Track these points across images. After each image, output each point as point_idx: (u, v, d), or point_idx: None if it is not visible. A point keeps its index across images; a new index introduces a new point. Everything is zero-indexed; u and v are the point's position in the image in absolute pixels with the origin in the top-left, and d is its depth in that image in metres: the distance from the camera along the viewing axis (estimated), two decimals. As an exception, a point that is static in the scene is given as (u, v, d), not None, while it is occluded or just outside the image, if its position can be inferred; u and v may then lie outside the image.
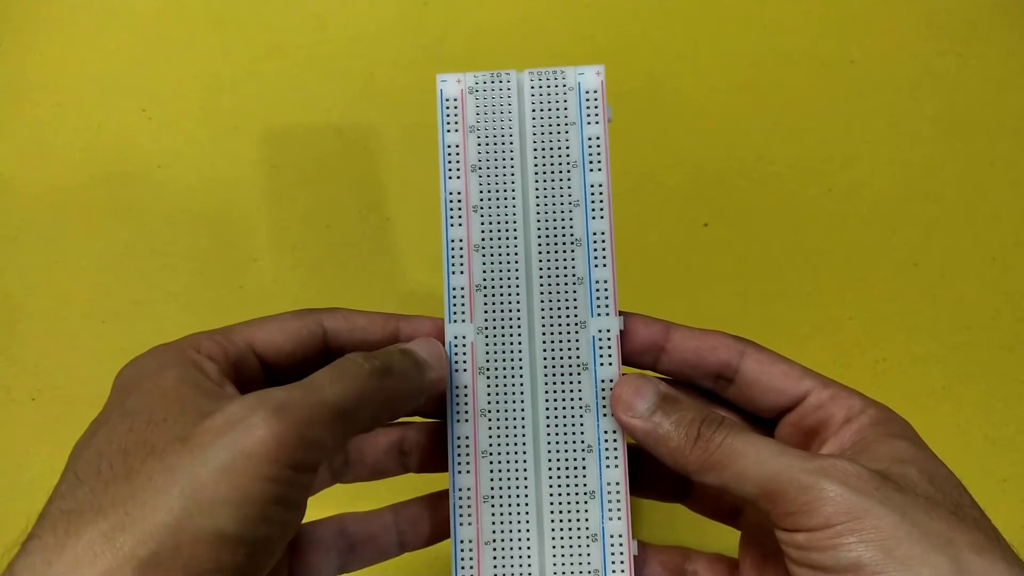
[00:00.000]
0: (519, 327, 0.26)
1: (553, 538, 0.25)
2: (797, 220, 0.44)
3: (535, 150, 0.26)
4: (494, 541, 0.25)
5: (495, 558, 0.25)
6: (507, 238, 0.26)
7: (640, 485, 0.28)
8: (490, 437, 0.26)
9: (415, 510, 0.28)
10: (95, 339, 0.41)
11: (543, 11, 0.46)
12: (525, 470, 0.25)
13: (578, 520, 0.25)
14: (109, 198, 0.44)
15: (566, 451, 0.25)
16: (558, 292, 0.26)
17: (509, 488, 0.25)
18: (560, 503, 0.25)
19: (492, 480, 0.25)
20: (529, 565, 0.25)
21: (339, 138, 0.45)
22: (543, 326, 0.26)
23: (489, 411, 0.26)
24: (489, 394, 0.26)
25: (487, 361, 0.26)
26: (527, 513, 0.25)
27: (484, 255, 0.26)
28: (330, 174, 0.45)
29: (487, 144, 0.27)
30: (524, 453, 0.26)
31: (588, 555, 0.25)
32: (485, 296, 0.26)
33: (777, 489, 0.21)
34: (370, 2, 0.46)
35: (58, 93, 0.45)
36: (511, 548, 0.25)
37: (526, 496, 0.25)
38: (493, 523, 0.25)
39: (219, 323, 0.41)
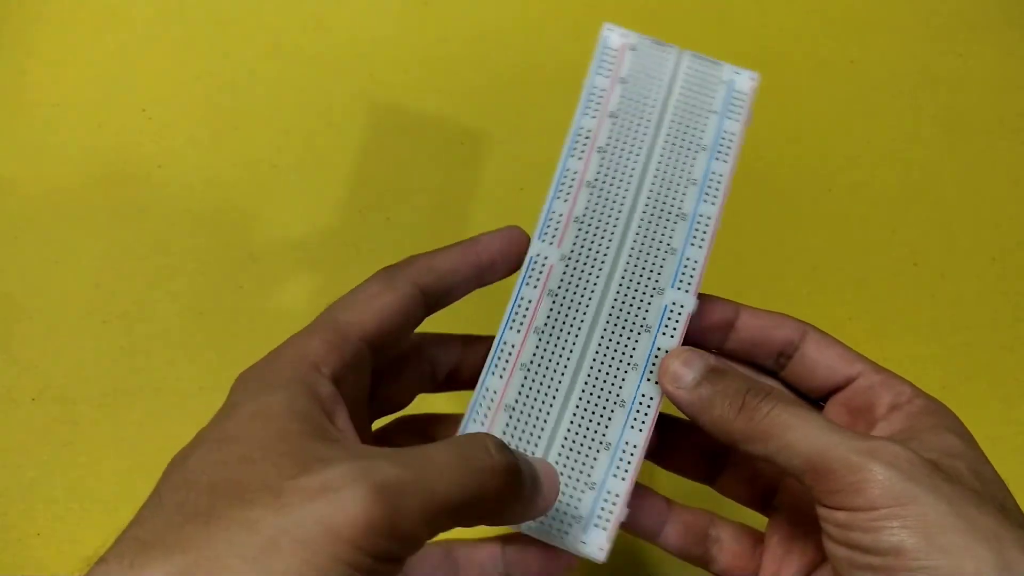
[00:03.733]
0: (600, 269, 0.26)
1: (559, 454, 0.25)
2: (797, 220, 0.44)
3: (672, 121, 0.27)
4: (509, 438, 0.26)
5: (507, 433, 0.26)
6: (620, 186, 0.27)
7: (672, 459, 0.29)
8: (534, 355, 0.26)
9: (523, 546, 0.27)
10: (95, 339, 0.41)
11: (543, 11, 0.46)
12: (554, 398, 0.26)
13: (584, 464, 0.25)
14: (109, 198, 0.44)
15: (599, 396, 0.26)
16: (649, 253, 0.26)
17: (531, 406, 0.26)
18: (574, 440, 0.25)
19: (520, 393, 0.26)
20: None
21: (339, 138, 0.45)
22: (623, 277, 0.26)
23: (543, 331, 0.26)
24: (548, 316, 0.26)
25: (558, 287, 0.26)
26: (540, 433, 0.25)
27: (593, 193, 0.27)
28: (330, 174, 0.45)
29: (630, 99, 0.28)
30: (559, 383, 0.26)
31: (580, 500, 0.25)
32: (580, 229, 0.26)
33: (825, 466, 0.21)
34: (370, 2, 0.46)
35: (58, 93, 0.45)
36: (523, 446, 0.26)
37: (545, 420, 0.25)
38: (508, 426, 0.26)
39: (220, 322, 0.41)
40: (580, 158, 0.27)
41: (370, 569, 0.18)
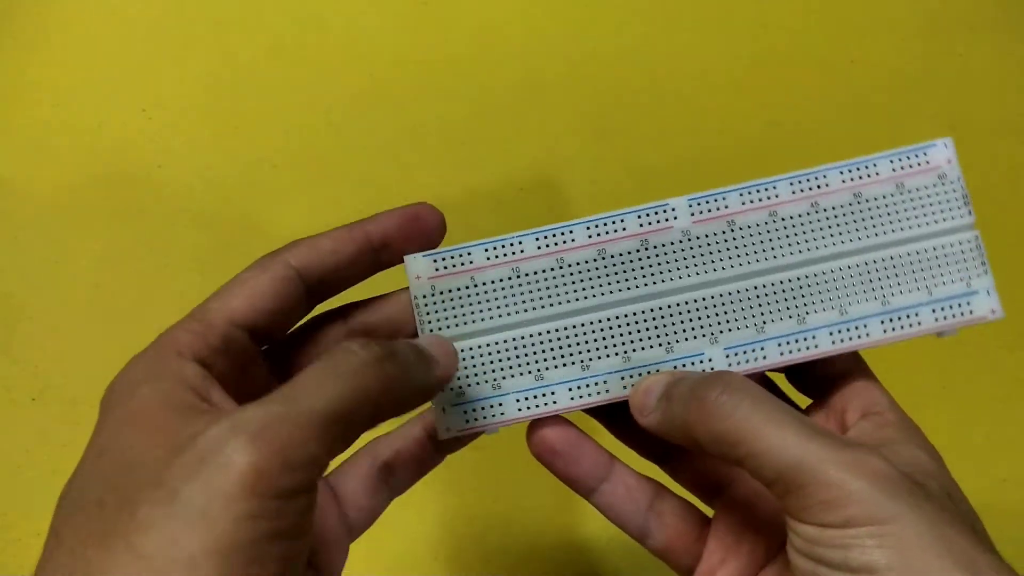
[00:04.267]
0: (678, 274, 0.26)
1: (497, 348, 0.25)
2: (797, 220, 0.44)
3: None
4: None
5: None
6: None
7: (625, 430, 0.27)
8: (544, 269, 0.26)
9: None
10: (95, 339, 0.41)
11: (543, 11, 0.46)
12: (527, 310, 0.26)
13: (503, 371, 0.25)
14: (109, 198, 0.44)
15: (566, 348, 0.25)
16: (751, 306, 0.25)
17: (506, 297, 0.26)
18: (508, 350, 0.25)
19: (504, 280, 0.25)
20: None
21: (339, 138, 0.45)
22: (699, 298, 0.25)
23: (571, 263, 0.26)
24: (588, 261, 0.26)
25: (635, 251, 0.26)
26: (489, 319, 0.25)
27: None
28: (330, 174, 0.45)
29: None
30: (545, 304, 0.25)
31: (473, 391, 0.25)
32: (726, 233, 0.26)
33: (798, 480, 0.20)
34: (370, 2, 0.46)
35: (58, 93, 0.45)
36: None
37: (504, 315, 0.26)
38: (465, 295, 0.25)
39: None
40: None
41: (279, 511, 0.17)
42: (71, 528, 0.18)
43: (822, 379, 0.26)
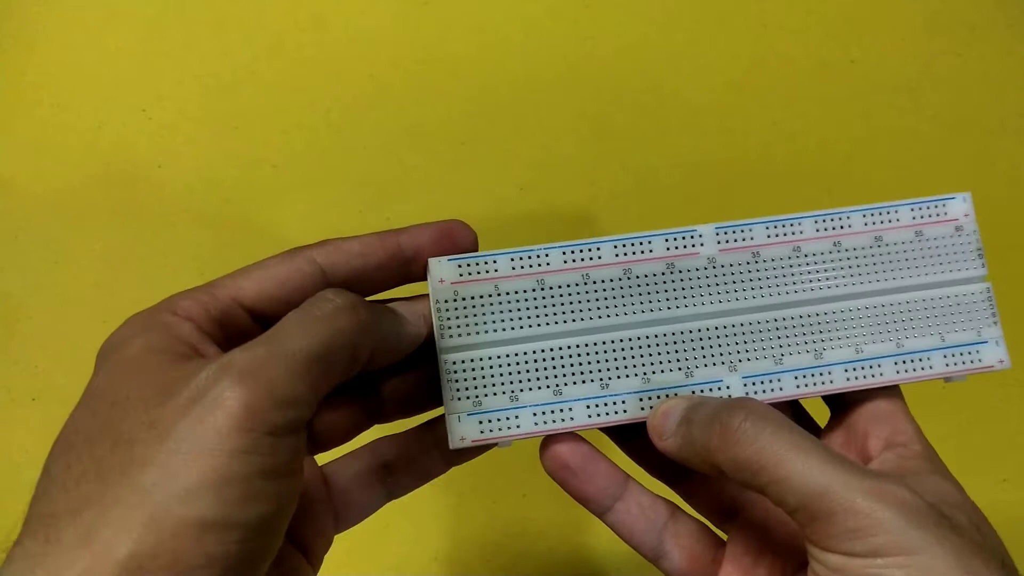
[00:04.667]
0: (710, 300, 0.26)
1: (514, 356, 0.25)
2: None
3: None
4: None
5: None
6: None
7: (641, 455, 0.27)
8: (570, 283, 0.26)
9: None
10: (95, 339, 0.41)
11: (543, 11, 0.46)
12: (556, 321, 0.25)
13: (520, 383, 0.25)
14: (109, 198, 0.44)
15: (582, 365, 0.25)
16: (777, 338, 0.26)
17: (528, 304, 0.25)
18: (529, 362, 0.25)
19: (531, 289, 0.25)
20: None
21: (339, 138, 0.45)
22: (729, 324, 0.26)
23: (596, 280, 0.26)
24: (615, 279, 0.26)
25: (660, 273, 0.26)
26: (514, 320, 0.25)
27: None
28: (330, 174, 0.45)
29: None
30: (571, 320, 0.25)
31: (489, 399, 0.25)
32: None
33: (823, 508, 0.19)
34: (370, 2, 0.46)
35: (58, 93, 0.45)
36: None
37: (526, 320, 0.25)
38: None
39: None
40: None
41: (270, 448, 0.18)
42: (63, 467, 0.19)
43: (847, 392, 0.26)
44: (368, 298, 0.24)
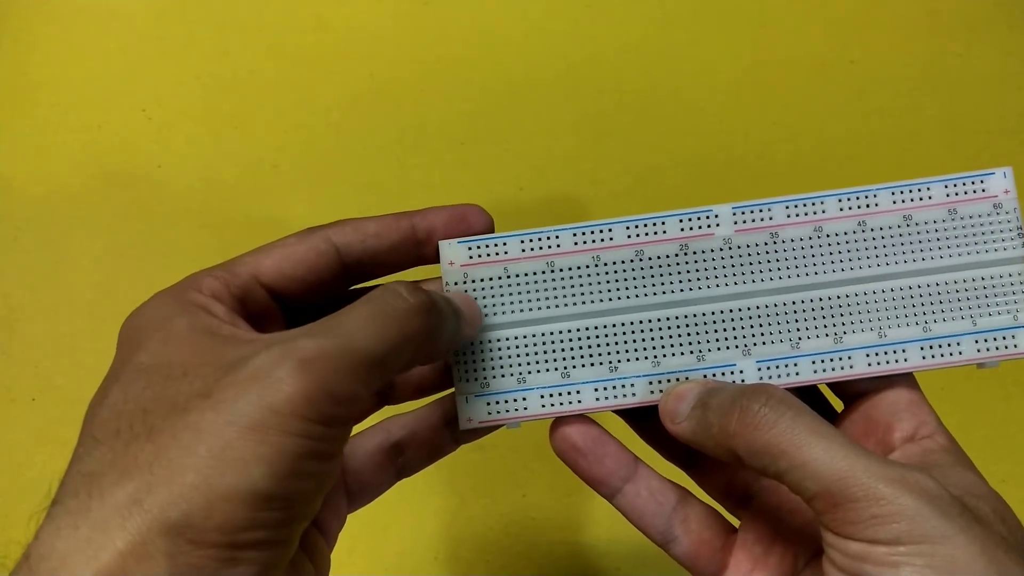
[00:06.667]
0: (726, 283, 0.25)
1: (521, 343, 0.25)
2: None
3: None
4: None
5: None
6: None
7: (654, 438, 0.27)
8: (579, 266, 0.25)
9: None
10: (95, 339, 0.41)
11: (543, 11, 0.46)
12: (566, 304, 0.25)
13: (528, 366, 0.25)
14: (109, 198, 0.44)
15: (593, 346, 0.25)
16: (791, 320, 0.25)
17: (539, 287, 0.25)
18: (537, 345, 0.25)
19: (541, 272, 0.25)
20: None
21: (339, 138, 0.45)
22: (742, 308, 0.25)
23: (606, 263, 0.25)
24: (626, 260, 0.25)
25: (675, 254, 0.25)
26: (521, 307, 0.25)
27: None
28: (330, 173, 0.45)
29: None
30: (580, 303, 0.25)
31: (496, 382, 0.25)
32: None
33: (844, 493, 0.19)
34: (370, 2, 0.46)
35: (58, 93, 0.45)
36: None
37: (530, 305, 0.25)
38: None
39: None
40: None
41: (322, 435, 0.18)
42: (111, 432, 0.18)
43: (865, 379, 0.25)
44: (384, 279, 0.24)
